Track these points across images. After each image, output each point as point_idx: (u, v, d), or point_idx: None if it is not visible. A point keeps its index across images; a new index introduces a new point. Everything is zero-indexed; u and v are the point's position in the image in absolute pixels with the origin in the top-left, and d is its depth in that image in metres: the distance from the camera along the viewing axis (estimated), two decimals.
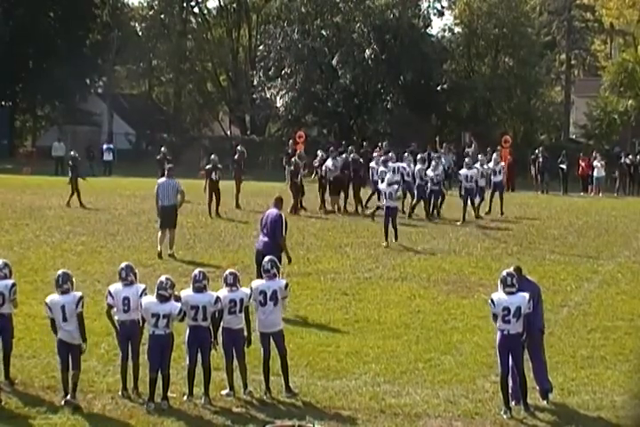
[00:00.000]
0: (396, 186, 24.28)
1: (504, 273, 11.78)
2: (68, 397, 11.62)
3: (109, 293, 12.18)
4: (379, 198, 27.27)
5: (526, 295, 11.54)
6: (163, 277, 11.97)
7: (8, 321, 12.40)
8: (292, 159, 30.54)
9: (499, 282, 11.77)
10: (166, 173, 21.89)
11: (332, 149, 34.21)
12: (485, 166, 30.07)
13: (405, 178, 28.57)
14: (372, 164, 30.92)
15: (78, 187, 30.07)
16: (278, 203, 17.13)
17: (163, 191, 21.41)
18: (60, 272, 12.00)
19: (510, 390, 11.71)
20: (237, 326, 12.15)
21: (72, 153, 32.42)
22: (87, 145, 49.51)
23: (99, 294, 15.54)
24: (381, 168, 28.58)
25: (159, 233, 21.40)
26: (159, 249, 20.86)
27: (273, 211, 16.92)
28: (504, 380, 11.64)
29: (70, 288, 11.81)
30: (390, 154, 31.02)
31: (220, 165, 28.56)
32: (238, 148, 32.96)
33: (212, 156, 29.97)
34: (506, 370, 11.62)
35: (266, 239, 16.60)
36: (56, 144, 46.55)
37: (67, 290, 11.78)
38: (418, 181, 28.38)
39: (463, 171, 28.66)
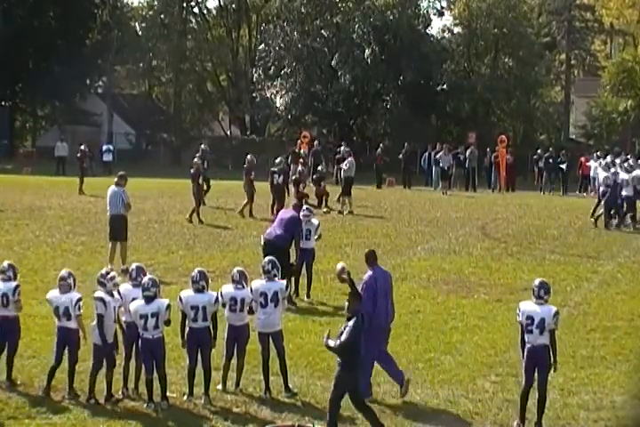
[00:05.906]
0: (316, 222, 18.19)
1: (535, 282, 11.54)
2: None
3: (118, 293, 12.18)
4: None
5: (554, 309, 11.27)
6: (146, 278, 11.95)
7: (14, 323, 12.45)
8: (278, 160, 29.61)
9: (531, 291, 11.51)
10: (115, 180, 20.77)
11: (344, 149, 34.20)
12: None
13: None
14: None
15: None
16: (297, 208, 17.92)
17: (111, 200, 20.48)
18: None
19: None
20: (239, 322, 12.21)
21: None
22: (86, 144, 49.40)
23: None
24: (604, 173, 27.31)
25: (109, 246, 20.17)
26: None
27: (292, 211, 17.83)
28: (524, 395, 11.25)
29: (67, 289, 12.03)
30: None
31: (202, 170, 27.97)
32: (202, 146, 32.61)
33: (195, 159, 29.24)
34: (529, 385, 11.24)
35: (277, 232, 17.15)
36: (59, 144, 46.42)
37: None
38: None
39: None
